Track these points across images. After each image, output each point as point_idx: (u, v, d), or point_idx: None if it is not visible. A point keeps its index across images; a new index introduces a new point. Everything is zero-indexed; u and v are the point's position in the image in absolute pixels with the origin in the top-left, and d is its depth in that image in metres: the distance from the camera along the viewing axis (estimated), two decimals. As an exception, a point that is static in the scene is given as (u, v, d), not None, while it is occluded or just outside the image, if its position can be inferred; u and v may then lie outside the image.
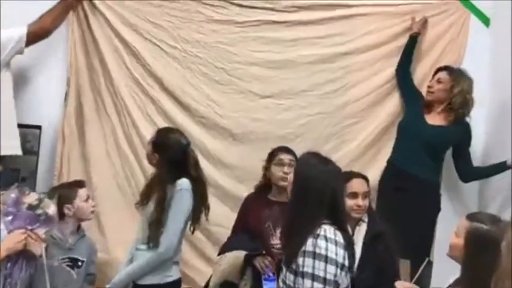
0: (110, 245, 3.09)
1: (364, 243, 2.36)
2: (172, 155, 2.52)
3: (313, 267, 1.83)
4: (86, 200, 2.66)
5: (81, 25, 3.26)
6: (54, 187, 2.87)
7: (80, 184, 2.73)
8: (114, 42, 3.27)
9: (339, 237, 1.89)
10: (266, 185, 2.80)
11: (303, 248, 1.86)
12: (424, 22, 3.28)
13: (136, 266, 2.47)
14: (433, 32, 3.32)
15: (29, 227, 2.12)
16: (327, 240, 1.86)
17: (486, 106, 3.28)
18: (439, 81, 3.13)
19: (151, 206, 2.50)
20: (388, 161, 3.23)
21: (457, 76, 3.11)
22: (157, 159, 2.56)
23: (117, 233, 2.93)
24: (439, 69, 3.19)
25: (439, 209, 3.13)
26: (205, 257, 3.22)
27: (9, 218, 2.11)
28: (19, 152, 3.02)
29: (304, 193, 1.94)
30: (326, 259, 1.84)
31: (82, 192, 2.66)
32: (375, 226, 2.41)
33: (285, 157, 2.74)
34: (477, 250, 1.77)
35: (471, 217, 1.89)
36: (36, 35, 3.06)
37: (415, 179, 3.06)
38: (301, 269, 1.85)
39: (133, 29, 3.28)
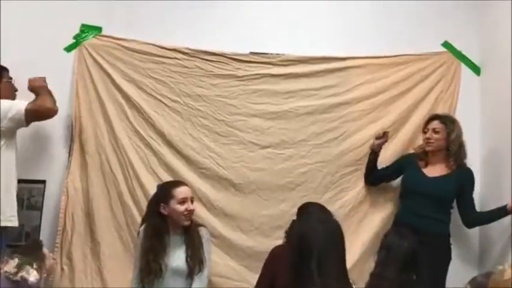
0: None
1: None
2: None
3: None
4: None
5: (85, 82, 3.34)
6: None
7: None
8: (117, 97, 3.34)
9: None
10: None
11: None
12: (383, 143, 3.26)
13: None
14: (426, 83, 3.41)
15: None
16: None
17: (478, 152, 3.32)
18: (435, 132, 3.12)
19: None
20: (395, 219, 3.19)
21: (450, 123, 3.13)
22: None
23: (120, 288, 2.91)
24: (430, 119, 3.18)
25: (450, 259, 3.07)
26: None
27: None
28: (15, 224, 2.94)
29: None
30: None
31: None
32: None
33: None
34: None
35: (472, 283, 1.89)
36: (37, 113, 2.98)
37: (424, 234, 2.85)
38: None
39: (135, 84, 3.36)
